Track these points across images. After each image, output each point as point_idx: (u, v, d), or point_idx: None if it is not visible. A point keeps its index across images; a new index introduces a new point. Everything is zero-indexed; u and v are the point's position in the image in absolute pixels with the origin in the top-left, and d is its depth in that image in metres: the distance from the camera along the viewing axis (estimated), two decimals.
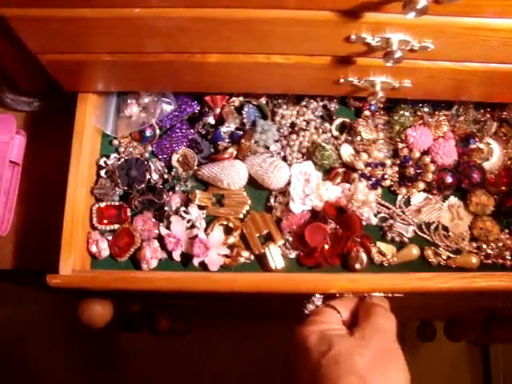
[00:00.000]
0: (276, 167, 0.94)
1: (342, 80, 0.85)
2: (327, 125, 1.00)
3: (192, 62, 0.79)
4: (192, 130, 1.00)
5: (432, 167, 0.96)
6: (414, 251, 0.96)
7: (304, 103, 1.00)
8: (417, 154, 0.97)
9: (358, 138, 0.98)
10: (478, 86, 0.87)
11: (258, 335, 2.08)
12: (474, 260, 0.96)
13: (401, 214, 0.97)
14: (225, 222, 0.96)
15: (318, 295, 0.87)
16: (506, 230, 0.98)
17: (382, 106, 1.01)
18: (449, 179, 0.96)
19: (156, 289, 0.88)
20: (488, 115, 1.02)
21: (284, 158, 0.99)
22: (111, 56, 0.80)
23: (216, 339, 2.13)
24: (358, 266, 0.93)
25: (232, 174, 0.95)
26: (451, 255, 0.97)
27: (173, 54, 0.79)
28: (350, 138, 0.99)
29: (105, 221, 0.96)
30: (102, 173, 0.97)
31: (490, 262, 0.97)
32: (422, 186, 0.96)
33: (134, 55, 0.80)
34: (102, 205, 0.96)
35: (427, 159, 0.96)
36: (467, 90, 0.89)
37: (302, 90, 0.94)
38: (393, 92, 0.88)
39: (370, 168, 0.96)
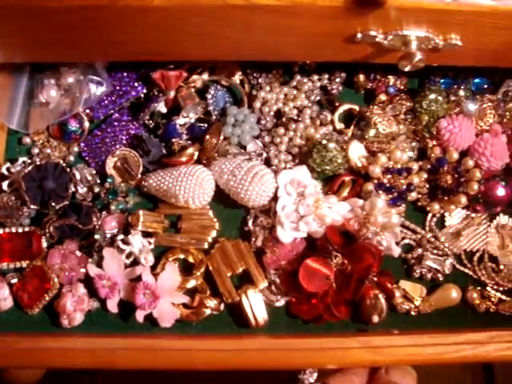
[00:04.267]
0: (256, 175, 0.65)
1: (359, 36, 0.57)
2: (327, 114, 0.70)
3: (122, 7, 0.48)
4: (135, 123, 0.70)
5: (478, 174, 0.68)
6: (454, 293, 0.68)
7: (294, 83, 0.71)
8: (454, 156, 0.69)
9: (372, 133, 0.69)
10: None
11: None
12: None
13: (433, 240, 0.69)
14: (182, 256, 0.66)
15: (310, 369, 0.59)
16: None
17: (402, 87, 0.72)
18: (500, 191, 0.68)
19: (76, 367, 0.57)
20: None
21: (267, 162, 0.69)
22: None
23: None
24: (375, 318, 0.65)
25: (191, 185, 0.65)
26: (504, 297, 0.69)
27: None
28: (359, 132, 0.70)
29: (6, 256, 0.69)
30: (4, 185, 0.70)
31: None
32: (464, 200, 0.68)
33: None
34: (2, 232, 0.65)
35: (470, 162, 0.68)
36: None
37: (296, 54, 0.64)
38: (433, 56, 0.60)
39: (389, 175, 0.68)
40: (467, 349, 0.60)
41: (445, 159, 0.69)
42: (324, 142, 0.67)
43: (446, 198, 0.69)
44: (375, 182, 0.68)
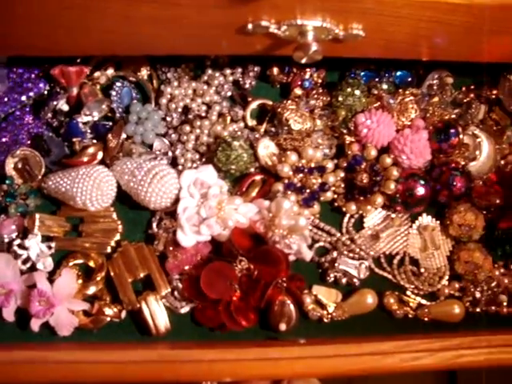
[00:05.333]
0: (156, 176, 0.62)
1: (250, 26, 0.52)
2: (238, 110, 0.67)
3: None
4: (38, 121, 0.66)
5: (395, 172, 0.64)
6: (369, 299, 0.64)
7: (206, 78, 0.67)
8: (372, 153, 0.65)
9: (285, 130, 0.65)
10: (460, 33, 0.55)
11: None
12: (458, 309, 0.65)
13: (349, 242, 0.65)
14: (80, 261, 0.63)
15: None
16: (500, 263, 0.68)
17: (321, 80, 0.68)
18: (420, 190, 0.64)
19: None
20: (472, 95, 0.70)
21: (174, 162, 0.66)
22: None
23: None
24: (283, 325, 0.61)
25: (89, 187, 0.62)
26: (424, 302, 0.66)
27: None
28: (273, 129, 0.67)
29: None
30: None
31: (479, 310, 0.66)
32: (380, 200, 0.64)
33: None
34: None
35: (388, 160, 0.64)
36: (443, 36, 0.57)
37: (189, 47, 0.60)
38: (335, 47, 0.56)
39: (301, 175, 0.64)
40: (368, 361, 0.56)
41: (361, 157, 0.65)
42: (229, 139, 0.63)
43: (362, 198, 0.65)
44: (285, 182, 0.64)
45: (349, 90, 0.66)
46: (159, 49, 0.59)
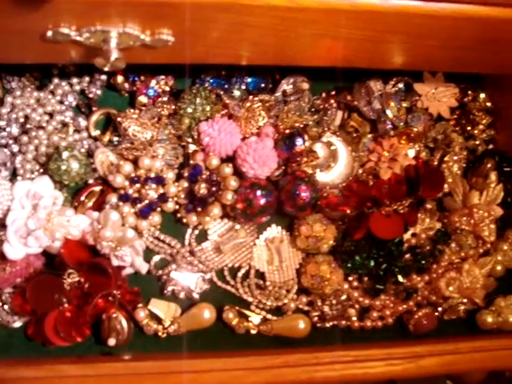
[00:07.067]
0: None
1: (49, 33, 0.51)
2: (81, 119, 0.65)
3: None
4: None
5: (233, 182, 0.62)
6: (206, 314, 0.62)
7: (52, 87, 0.66)
8: (214, 162, 0.63)
9: (127, 139, 0.64)
10: (309, 40, 0.54)
11: None
12: (302, 325, 0.62)
13: (188, 255, 0.63)
14: None
15: None
16: (355, 276, 0.65)
17: (168, 88, 0.66)
18: (261, 200, 0.62)
19: None
20: (332, 101, 0.68)
21: (15, 172, 0.65)
22: None
23: None
24: (111, 340, 0.59)
25: None
26: (270, 317, 0.63)
27: None
28: (117, 139, 0.65)
29: None
30: None
31: (327, 325, 0.63)
32: (217, 211, 0.62)
33: None
34: None
35: (227, 170, 0.62)
36: (249, 41, 0.55)
37: (10, 56, 0.58)
38: (150, 53, 0.55)
39: (138, 185, 0.62)
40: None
41: (201, 166, 0.63)
42: (61, 150, 0.62)
43: (200, 209, 0.63)
44: (121, 192, 0.63)
45: (190, 97, 0.64)
46: None
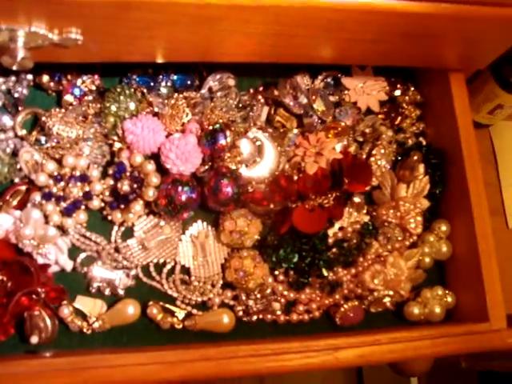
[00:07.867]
0: None
1: None
2: (8, 119, 0.66)
3: None
4: None
5: (154, 179, 0.62)
6: (130, 309, 0.62)
7: None
8: (137, 159, 0.63)
9: (54, 138, 0.64)
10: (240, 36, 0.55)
11: None
12: (227, 319, 0.63)
13: (112, 251, 0.64)
14: None
15: None
16: (281, 270, 0.65)
17: (95, 87, 0.67)
18: (182, 196, 0.62)
19: None
20: (260, 97, 0.69)
21: None
22: None
23: None
24: (34, 338, 0.60)
25: None
26: (196, 312, 0.64)
27: None
28: (44, 138, 0.66)
29: None
30: None
31: (252, 319, 0.64)
32: (138, 208, 0.62)
33: None
34: None
35: (149, 167, 0.63)
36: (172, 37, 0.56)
37: None
38: (58, 52, 0.55)
39: (62, 183, 0.63)
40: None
41: (124, 164, 0.64)
42: None
43: (123, 206, 0.63)
44: (45, 191, 0.63)
45: (114, 96, 0.65)
46: None
